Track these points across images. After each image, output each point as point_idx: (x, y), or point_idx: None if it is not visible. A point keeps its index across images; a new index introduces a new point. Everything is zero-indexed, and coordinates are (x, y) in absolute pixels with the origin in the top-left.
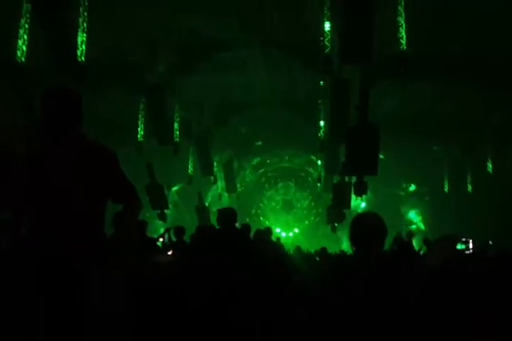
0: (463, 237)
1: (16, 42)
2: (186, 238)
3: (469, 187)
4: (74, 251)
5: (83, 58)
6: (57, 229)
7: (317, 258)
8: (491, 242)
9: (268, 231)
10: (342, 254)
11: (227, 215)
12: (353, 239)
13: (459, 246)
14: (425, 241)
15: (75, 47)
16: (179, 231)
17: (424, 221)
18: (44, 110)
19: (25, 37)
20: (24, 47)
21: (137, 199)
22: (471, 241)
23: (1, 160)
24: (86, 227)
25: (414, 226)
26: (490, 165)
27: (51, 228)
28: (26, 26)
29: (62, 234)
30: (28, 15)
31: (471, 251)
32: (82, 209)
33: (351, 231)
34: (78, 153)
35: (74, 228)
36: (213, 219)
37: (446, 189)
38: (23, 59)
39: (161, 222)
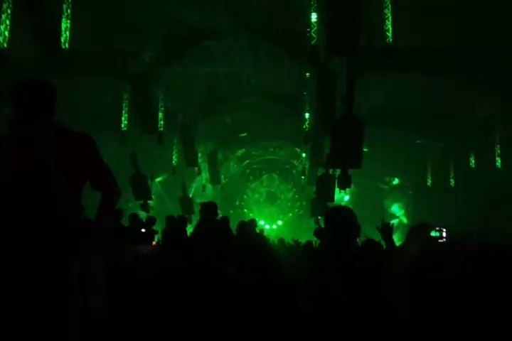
0: (437, 226)
1: None
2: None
3: (452, 182)
4: (49, 241)
5: (67, 45)
6: (30, 218)
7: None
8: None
9: (252, 223)
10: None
11: (210, 208)
12: (325, 231)
13: (434, 234)
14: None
15: (59, 34)
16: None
17: (407, 214)
18: (16, 101)
19: (8, 22)
20: (6, 33)
21: (115, 184)
22: (444, 229)
23: None
24: (63, 215)
25: (396, 220)
26: (472, 160)
27: (24, 218)
28: (9, 11)
29: (36, 224)
30: (10, 0)
31: (444, 239)
32: (59, 196)
33: (326, 223)
34: (50, 139)
35: (48, 216)
36: (197, 211)
37: (429, 183)
38: (5, 45)
39: (143, 213)
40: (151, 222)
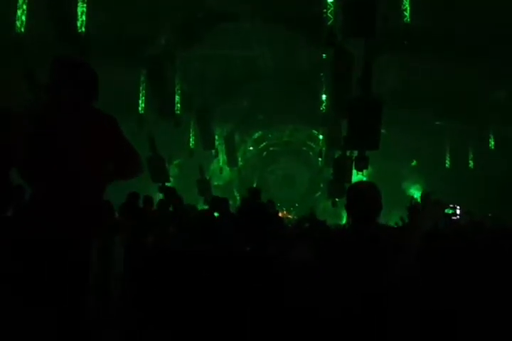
0: (450, 204)
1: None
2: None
3: (471, 163)
4: (76, 225)
5: (83, 29)
6: (59, 198)
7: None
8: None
9: (271, 203)
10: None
11: (257, 194)
12: (349, 210)
13: (448, 211)
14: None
15: (75, 17)
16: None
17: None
18: (58, 77)
19: (25, 7)
20: (24, 18)
21: (140, 164)
22: (458, 207)
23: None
24: (88, 196)
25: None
26: (492, 142)
27: (52, 197)
28: None
29: (64, 205)
30: None
31: (458, 216)
32: (84, 176)
33: (347, 201)
34: (82, 119)
35: (76, 197)
36: (214, 193)
37: (447, 164)
38: (22, 29)
39: (161, 195)
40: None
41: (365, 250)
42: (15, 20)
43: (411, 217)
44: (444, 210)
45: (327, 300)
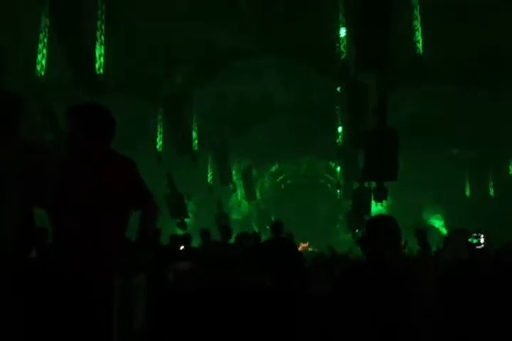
0: (474, 232)
1: (36, 57)
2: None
3: (491, 191)
4: (99, 263)
5: (101, 71)
6: (83, 239)
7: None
8: None
9: (290, 236)
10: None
11: (279, 226)
12: (367, 242)
13: (471, 240)
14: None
15: (94, 60)
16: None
17: (446, 226)
18: (73, 124)
19: (44, 51)
20: (44, 62)
21: (154, 203)
22: (482, 235)
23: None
24: (110, 237)
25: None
26: (511, 168)
27: (76, 238)
28: (45, 41)
29: (88, 245)
30: (46, 30)
31: (482, 245)
32: (106, 218)
33: (367, 234)
34: (105, 166)
35: (99, 238)
36: (233, 227)
37: (467, 193)
38: (42, 73)
39: (181, 231)
40: (187, 238)
41: (384, 283)
42: (35, 64)
43: (420, 242)
44: (467, 239)
45: (345, 333)
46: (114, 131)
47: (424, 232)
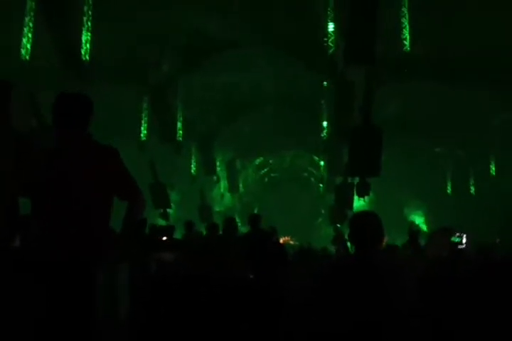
0: (457, 232)
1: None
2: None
3: (472, 189)
4: (82, 252)
5: (87, 57)
6: (66, 228)
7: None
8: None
9: (273, 230)
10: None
11: (257, 219)
12: (352, 239)
13: (454, 239)
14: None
15: (80, 46)
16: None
17: (427, 222)
18: (56, 113)
19: (30, 35)
20: (28, 46)
21: (141, 195)
22: (464, 235)
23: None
24: (93, 226)
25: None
26: (493, 168)
27: (59, 227)
28: (31, 25)
29: (71, 234)
30: (32, 14)
31: (464, 245)
32: (89, 208)
33: (350, 230)
34: (85, 153)
35: (82, 227)
36: (216, 219)
37: (449, 191)
38: (27, 57)
39: (163, 221)
40: (170, 230)
41: (366, 278)
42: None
43: (412, 242)
44: (450, 238)
45: (324, 326)
46: (88, 119)
47: (417, 233)
